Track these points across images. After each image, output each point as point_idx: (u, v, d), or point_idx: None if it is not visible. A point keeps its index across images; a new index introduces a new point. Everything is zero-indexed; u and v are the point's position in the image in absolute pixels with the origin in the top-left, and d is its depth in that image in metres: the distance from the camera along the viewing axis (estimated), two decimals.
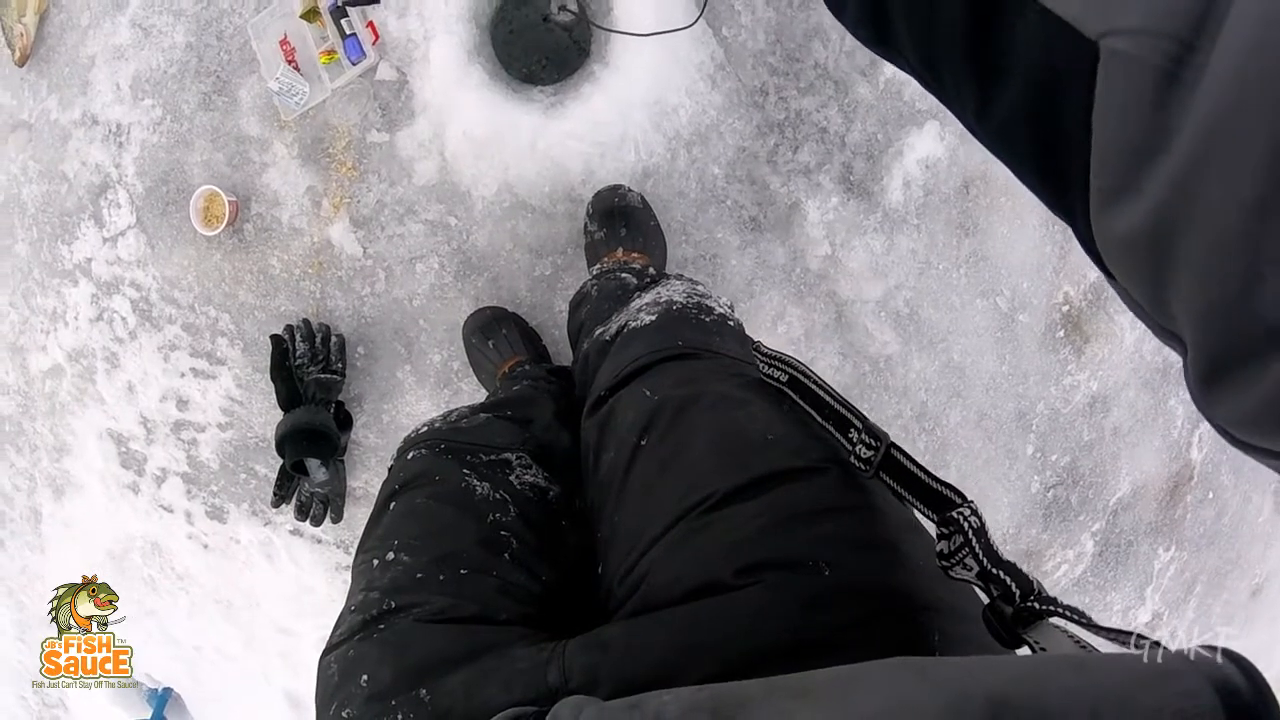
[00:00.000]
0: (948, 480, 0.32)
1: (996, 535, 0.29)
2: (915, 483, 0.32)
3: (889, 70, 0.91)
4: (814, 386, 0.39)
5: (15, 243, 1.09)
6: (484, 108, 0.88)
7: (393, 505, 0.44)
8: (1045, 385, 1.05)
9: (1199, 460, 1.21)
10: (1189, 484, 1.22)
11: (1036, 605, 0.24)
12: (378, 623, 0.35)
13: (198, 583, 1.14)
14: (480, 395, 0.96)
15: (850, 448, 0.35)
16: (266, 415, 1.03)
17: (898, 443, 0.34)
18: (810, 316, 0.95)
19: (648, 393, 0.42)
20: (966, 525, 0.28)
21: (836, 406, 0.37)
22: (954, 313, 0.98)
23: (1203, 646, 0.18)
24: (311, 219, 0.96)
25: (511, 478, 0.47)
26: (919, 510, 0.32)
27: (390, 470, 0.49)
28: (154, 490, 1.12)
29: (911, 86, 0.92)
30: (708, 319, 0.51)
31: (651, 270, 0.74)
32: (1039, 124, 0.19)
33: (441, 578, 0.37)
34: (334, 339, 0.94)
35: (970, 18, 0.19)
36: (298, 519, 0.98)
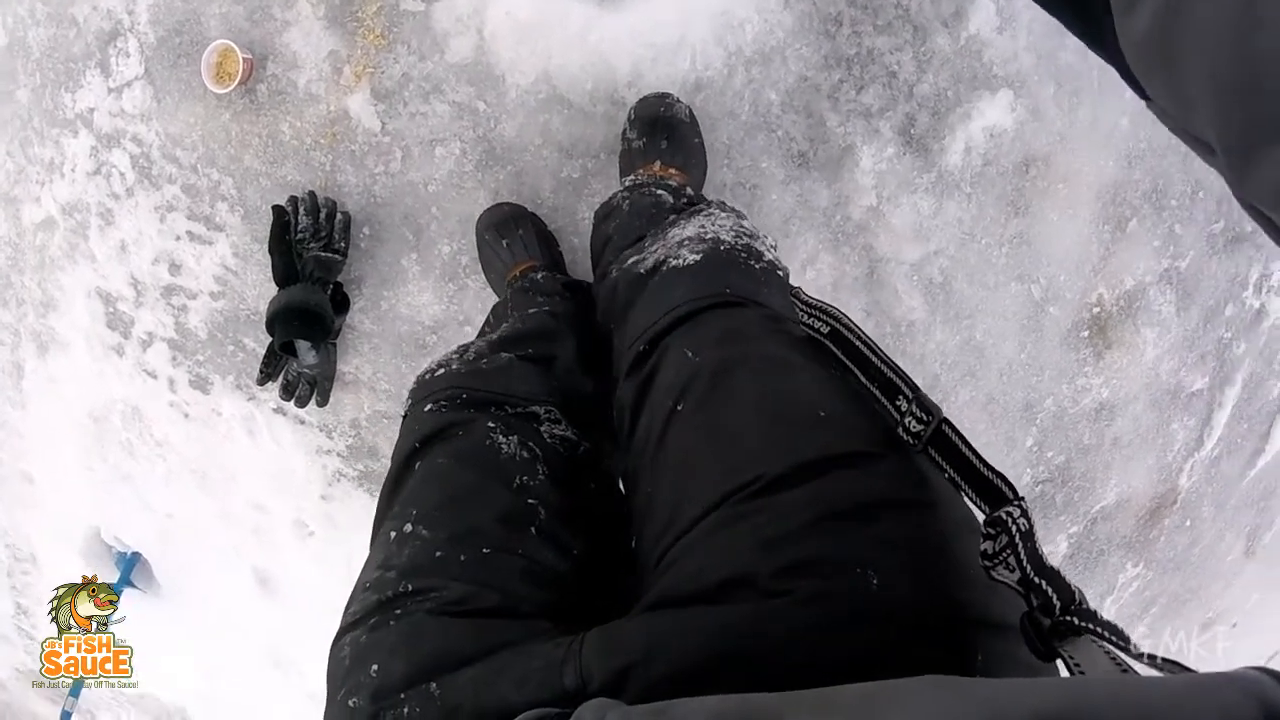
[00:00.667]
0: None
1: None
2: (966, 465, 0.30)
3: (973, 25, 0.85)
4: (860, 344, 0.36)
5: (18, 88, 1.02)
6: None
7: (416, 466, 0.41)
8: (1058, 382, 1.03)
9: (1186, 488, 1.21)
10: (1171, 508, 1.23)
11: (1076, 620, 0.24)
12: (393, 606, 0.33)
13: (176, 451, 1.13)
14: (488, 295, 0.92)
15: (898, 418, 0.33)
16: (261, 288, 0.99)
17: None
18: (842, 267, 0.91)
19: (689, 353, 0.39)
20: (1014, 527, 0.27)
21: (884, 369, 0.35)
22: (986, 291, 0.95)
23: (1245, 667, 0.18)
24: (330, 86, 0.89)
25: (541, 429, 0.44)
26: (965, 494, 0.30)
27: (405, 421, 0.46)
28: (139, 354, 1.09)
29: (992, 49, 0.85)
30: (756, 265, 0.47)
31: (689, 190, 0.69)
32: None
33: (462, 558, 0.35)
34: (339, 216, 0.89)
35: None
36: (282, 398, 0.96)
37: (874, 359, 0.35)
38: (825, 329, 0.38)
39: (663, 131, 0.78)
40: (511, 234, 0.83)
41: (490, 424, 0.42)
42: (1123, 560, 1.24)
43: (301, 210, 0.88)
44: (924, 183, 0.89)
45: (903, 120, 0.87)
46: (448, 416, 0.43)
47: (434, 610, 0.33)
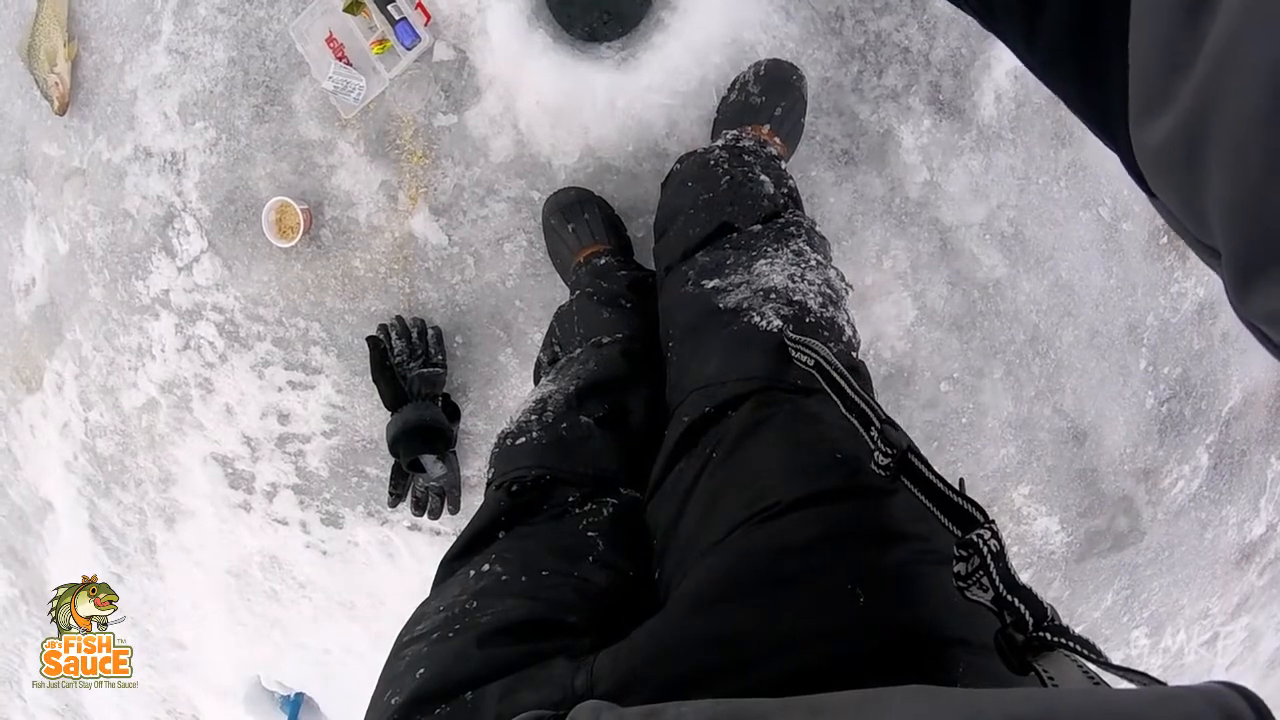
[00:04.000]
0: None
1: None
2: (936, 493, 0.31)
3: None
4: (837, 376, 0.39)
5: (89, 288, 1.10)
6: (554, 73, 0.85)
7: (500, 536, 0.45)
8: (1153, 295, 1.00)
9: None
10: None
11: (1048, 636, 0.25)
12: (454, 622, 0.37)
13: (320, 588, 1.17)
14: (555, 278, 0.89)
15: (871, 448, 0.35)
16: (371, 417, 1.04)
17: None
18: (915, 247, 0.92)
19: (731, 412, 0.43)
20: (985, 549, 0.28)
21: (857, 400, 0.37)
22: (1058, 228, 0.94)
23: (1212, 681, 0.18)
24: (390, 214, 0.95)
25: (616, 499, 0.47)
26: (939, 520, 0.31)
27: (489, 492, 0.49)
28: (266, 506, 1.15)
29: None
30: (834, 349, 0.49)
31: (789, 182, 0.64)
32: (1081, 46, 0.21)
33: (523, 579, 0.39)
34: (430, 331, 0.94)
35: None
36: (415, 514, 1.00)
37: (848, 390, 0.38)
38: (810, 361, 0.42)
39: (783, 98, 0.78)
40: (578, 218, 0.82)
41: (569, 498, 0.46)
42: (1266, 455, 1.18)
43: (394, 335, 0.93)
44: (967, 143, 0.89)
45: (929, 90, 0.88)
46: (531, 496, 0.47)
47: (486, 632, 0.35)
